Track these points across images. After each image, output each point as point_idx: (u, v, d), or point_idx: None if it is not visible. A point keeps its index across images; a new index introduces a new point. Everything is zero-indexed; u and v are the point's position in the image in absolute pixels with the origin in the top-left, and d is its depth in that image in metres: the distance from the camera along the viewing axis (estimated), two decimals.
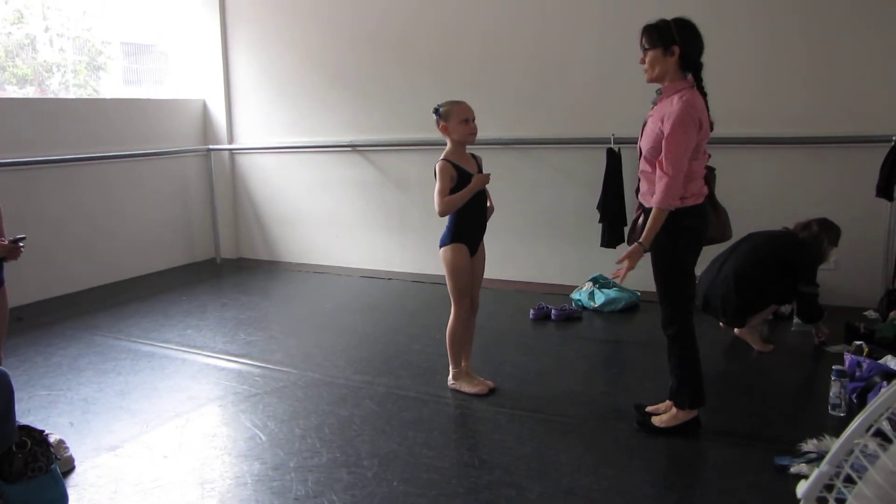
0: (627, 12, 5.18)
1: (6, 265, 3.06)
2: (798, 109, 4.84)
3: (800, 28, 4.78)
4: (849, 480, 1.49)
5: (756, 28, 4.88)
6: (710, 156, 3.09)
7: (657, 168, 2.90)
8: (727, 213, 3.48)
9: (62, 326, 4.99)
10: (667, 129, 2.85)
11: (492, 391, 3.63)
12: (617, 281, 3.04)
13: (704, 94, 2.97)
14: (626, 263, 2.93)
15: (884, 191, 4.41)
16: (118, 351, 4.47)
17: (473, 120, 3.50)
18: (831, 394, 3.26)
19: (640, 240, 2.93)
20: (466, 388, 3.65)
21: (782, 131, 4.86)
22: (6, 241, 3.00)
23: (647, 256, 3.02)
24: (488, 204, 3.64)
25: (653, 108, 3.03)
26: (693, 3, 4.88)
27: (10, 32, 6.44)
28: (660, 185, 2.88)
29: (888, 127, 4.52)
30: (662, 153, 2.87)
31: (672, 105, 2.87)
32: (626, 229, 5.10)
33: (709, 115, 2.96)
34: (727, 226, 3.48)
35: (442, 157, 3.50)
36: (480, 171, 3.59)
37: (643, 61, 3.00)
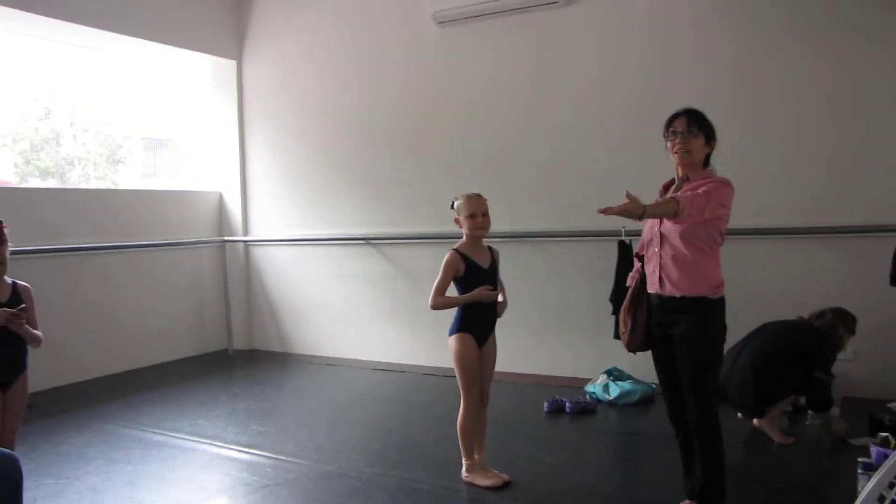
0: (636, 110, 5.32)
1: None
2: (810, 200, 4.89)
3: (812, 121, 4.89)
4: None
5: (769, 121, 5.00)
6: None
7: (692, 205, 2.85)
8: None
9: (72, 414, 4.96)
10: (709, 186, 2.88)
11: (506, 484, 3.55)
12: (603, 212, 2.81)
13: None
14: (625, 203, 2.76)
15: None
16: (128, 440, 4.42)
17: (484, 215, 3.55)
18: (860, 488, 3.17)
19: (646, 207, 2.79)
20: (480, 480, 3.57)
21: (794, 221, 4.89)
22: (36, 331, 3.08)
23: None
24: (501, 298, 3.66)
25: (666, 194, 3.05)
26: (713, 97, 5.06)
27: (37, 128, 6.68)
28: (694, 197, 2.84)
29: None
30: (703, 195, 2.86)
31: (711, 183, 2.91)
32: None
33: None
34: None
35: (455, 246, 3.55)
36: (495, 263, 3.63)
37: (676, 144, 2.99)
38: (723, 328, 3.01)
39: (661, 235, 3.03)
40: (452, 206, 3.60)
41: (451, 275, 3.51)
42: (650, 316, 3.12)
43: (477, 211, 3.53)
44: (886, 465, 1.40)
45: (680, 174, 3.06)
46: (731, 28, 5.09)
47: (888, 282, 4.42)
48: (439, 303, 3.53)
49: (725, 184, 2.93)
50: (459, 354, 3.53)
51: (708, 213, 2.86)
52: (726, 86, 5.08)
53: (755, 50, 5.01)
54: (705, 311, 2.96)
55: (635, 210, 2.75)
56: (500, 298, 3.65)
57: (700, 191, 2.87)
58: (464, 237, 3.59)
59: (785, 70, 4.92)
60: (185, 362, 6.72)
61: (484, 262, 3.57)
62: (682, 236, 2.95)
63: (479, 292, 3.48)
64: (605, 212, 2.76)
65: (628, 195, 2.76)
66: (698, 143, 2.99)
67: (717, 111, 4.70)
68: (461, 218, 3.56)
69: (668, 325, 3.04)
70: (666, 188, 3.13)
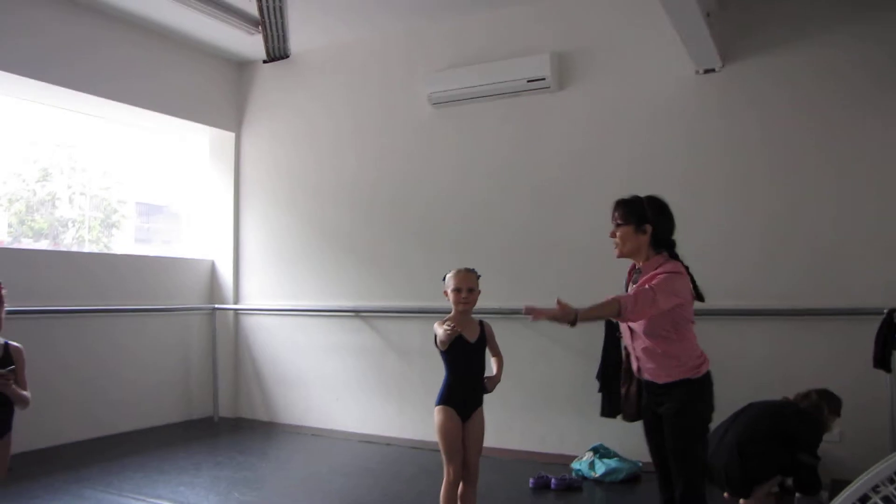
0: (616, 187, 5.43)
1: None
2: (789, 282, 4.98)
3: (789, 201, 5.02)
4: None
5: (747, 202, 5.13)
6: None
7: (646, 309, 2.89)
8: None
9: (51, 478, 4.87)
10: (651, 280, 2.91)
11: None
12: (529, 316, 2.84)
13: (686, 266, 3.04)
14: (554, 309, 2.80)
15: (881, 362, 4.46)
16: None
17: (470, 290, 3.58)
18: None
19: (579, 310, 2.82)
20: None
21: (778, 303, 4.97)
22: (24, 391, 3.07)
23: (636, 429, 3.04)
24: (494, 373, 3.68)
25: (632, 286, 3.08)
26: (700, 180, 5.21)
27: (34, 190, 6.75)
28: (638, 294, 2.86)
29: (879, 299, 4.64)
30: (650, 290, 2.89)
31: (661, 274, 2.94)
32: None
33: (695, 284, 3.04)
34: None
35: (442, 319, 3.58)
36: (483, 337, 3.66)
37: (613, 234, 3.08)
38: (708, 405, 3.02)
39: (630, 329, 3.08)
40: (444, 279, 3.65)
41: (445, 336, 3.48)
42: (640, 390, 3.16)
43: (462, 286, 3.57)
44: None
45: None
46: (721, 112, 5.26)
47: (871, 364, 4.49)
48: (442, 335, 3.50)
49: (674, 274, 2.93)
50: (440, 426, 3.54)
51: (661, 305, 2.87)
52: (712, 169, 5.23)
53: (743, 134, 5.17)
54: (689, 390, 2.99)
55: (565, 317, 2.79)
56: (482, 373, 3.66)
57: (647, 286, 2.89)
58: (452, 310, 3.63)
59: (773, 155, 5.08)
60: (170, 428, 6.64)
61: (471, 337, 3.59)
62: (646, 333, 3.01)
63: (451, 332, 3.43)
64: (533, 316, 2.79)
65: (559, 302, 2.80)
66: (627, 232, 3.03)
67: (703, 194, 4.89)
68: (449, 291, 3.60)
69: (655, 404, 3.07)
70: (630, 272, 3.18)
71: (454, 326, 3.44)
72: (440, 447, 3.55)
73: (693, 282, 3.03)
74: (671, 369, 3.01)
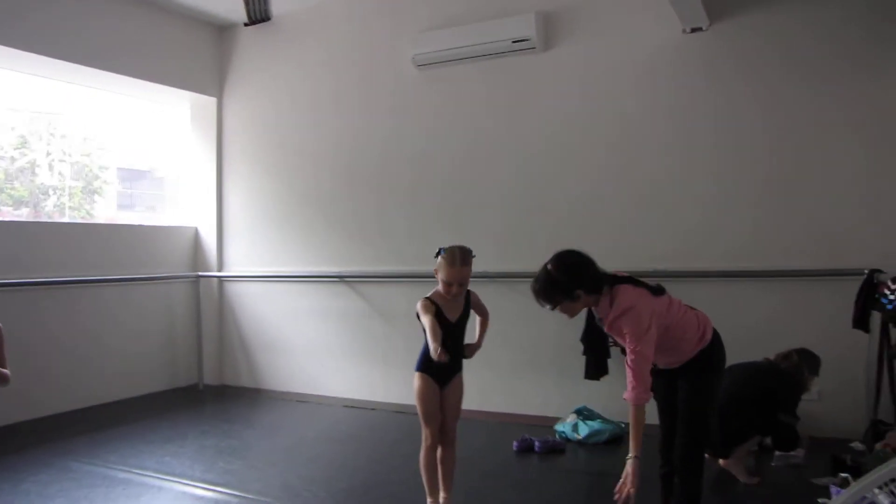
0: (608, 155, 5.43)
1: None
2: (772, 243, 5.00)
3: (773, 162, 5.01)
4: None
5: (730, 163, 5.11)
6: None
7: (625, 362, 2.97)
8: None
9: (36, 451, 4.88)
10: (630, 345, 2.92)
11: None
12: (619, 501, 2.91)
13: (627, 277, 3.06)
14: (630, 489, 2.84)
15: (860, 322, 4.50)
16: (93, 477, 4.36)
17: (460, 285, 3.46)
18: None
19: (633, 454, 2.87)
20: None
21: (760, 265, 4.99)
22: (3, 369, 3.04)
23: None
24: (476, 339, 3.66)
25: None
26: (659, 140, 5.17)
27: (13, 157, 6.65)
28: (629, 380, 2.89)
29: (860, 260, 4.67)
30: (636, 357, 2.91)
31: (619, 318, 2.96)
32: (609, 361, 5.15)
33: (648, 286, 3.04)
34: None
35: (427, 295, 3.51)
36: (468, 305, 3.61)
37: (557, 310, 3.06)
38: (720, 361, 3.10)
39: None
40: (437, 256, 3.49)
41: (432, 313, 3.41)
42: None
43: (454, 281, 3.43)
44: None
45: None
46: (709, 71, 5.21)
47: (851, 324, 4.53)
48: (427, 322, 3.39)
49: (631, 313, 2.91)
50: (418, 391, 3.55)
51: (651, 352, 2.90)
52: (700, 130, 5.19)
53: (732, 93, 5.13)
54: (703, 357, 3.07)
55: (636, 465, 2.83)
56: (463, 340, 3.64)
57: (628, 357, 2.90)
58: (439, 285, 3.52)
59: (761, 114, 5.05)
60: (155, 397, 6.65)
61: (453, 316, 3.52)
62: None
63: (436, 355, 3.25)
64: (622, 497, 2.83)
65: (628, 484, 2.84)
66: (566, 307, 3.03)
67: (691, 155, 4.85)
68: (439, 276, 3.46)
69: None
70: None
71: (440, 353, 3.20)
72: (418, 412, 3.57)
73: (644, 284, 3.03)
74: (682, 355, 3.09)
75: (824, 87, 4.88)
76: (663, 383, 3.18)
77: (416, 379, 3.57)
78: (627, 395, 2.91)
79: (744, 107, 5.09)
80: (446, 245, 3.49)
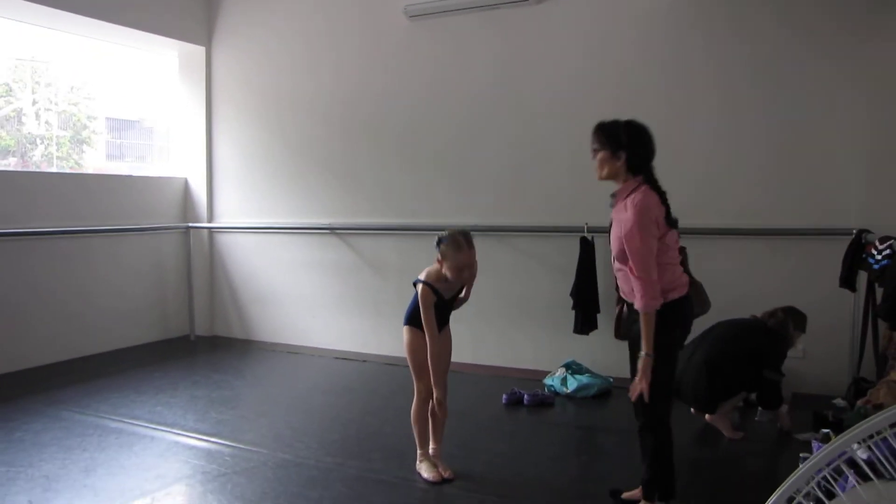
0: (598, 106, 5.37)
1: None
2: (760, 201, 5.01)
3: (762, 121, 4.99)
4: None
5: (718, 119, 5.09)
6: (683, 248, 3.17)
7: (630, 272, 2.97)
8: (702, 285, 3.35)
9: (27, 400, 4.91)
10: (626, 238, 2.92)
11: (445, 481, 3.55)
12: (632, 396, 3.01)
13: (661, 192, 3.02)
14: (642, 382, 2.93)
15: (846, 281, 4.55)
16: (85, 426, 4.39)
17: (469, 267, 3.45)
18: None
19: (645, 351, 2.93)
20: (424, 472, 3.61)
21: (745, 223, 5.01)
22: None
23: (624, 345, 3.10)
24: (462, 294, 3.66)
25: (612, 209, 3.10)
26: (655, 97, 5.14)
27: None
28: (637, 290, 2.93)
29: (848, 219, 4.70)
30: (629, 259, 2.94)
31: (626, 211, 2.94)
32: (599, 316, 5.19)
33: (668, 211, 3.03)
34: (704, 300, 3.33)
35: (425, 277, 3.48)
36: (460, 289, 3.61)
37: (594, 158, 3.08)
38: (670, 333, 3.02)
39: (612, 253, 3.10)
40: (438, 245, 3.44)
41: (433, 311, 3.44)
42: (629, 311, 3.18)
43: (465, 266, 3.41)
44: (798, 471, 1.49)
45: None
46: (705, 27, 5.16)
47: (838, 283, 4.57)
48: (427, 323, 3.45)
49: (640, 212, 2.91)
50: (409, 345, 3.58)
51: (650, 247, 2.91)
52: (697, 86, 5.15)
53: (728, 50, 5.09)
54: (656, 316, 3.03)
55: (650, 365, 2.92)
56: (464, 293, 3.67)
57: (631, 261, 2.92)
58: (438, 268, 3.47)
59: (756, 71, 5.00)
60: (146, 348, 6.67)
61: (448, 293, 3.54)
62: (616, 258, 3.05)
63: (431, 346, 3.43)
64: (639, 390, 2.93)
65: (639, 378, 2.93)
66: (604, 156, 3.03)
67: (687, 111, 4.81)
68: (447, 265, 3.40)
69: (633, 322, 3.12)
70: (614, 195, 3.16)
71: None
72: (409, 365, 3.61)
73: (667, 209, 3.02)
74: (630, 292, 3.05)
75: (820, 44, 4.85)
76: (633, 350, 3.20)
77: (406, 333, 3.60)
78: (638, 304, 2.94)
79: (739, 63, 5.04)
80: (444, 233, 3.47)
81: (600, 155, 3.05)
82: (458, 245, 3.39)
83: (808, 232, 4.86)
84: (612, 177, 3.06)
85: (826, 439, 3.59)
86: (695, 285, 3.32)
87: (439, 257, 3.43)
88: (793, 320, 4.31)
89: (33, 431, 4.29)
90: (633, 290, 3.01)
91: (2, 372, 5.38)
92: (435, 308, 3.47)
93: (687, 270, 3.27)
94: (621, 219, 2.98)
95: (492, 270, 5.69)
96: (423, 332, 3.50)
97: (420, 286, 3.47)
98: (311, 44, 6.60)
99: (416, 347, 3.56)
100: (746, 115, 5.04)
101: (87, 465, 3.77)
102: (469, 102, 5.92)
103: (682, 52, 5.20)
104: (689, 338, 4.10)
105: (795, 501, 1.55)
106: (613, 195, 3.10)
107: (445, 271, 3.42)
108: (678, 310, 3.02)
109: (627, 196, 2.98)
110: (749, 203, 5.04)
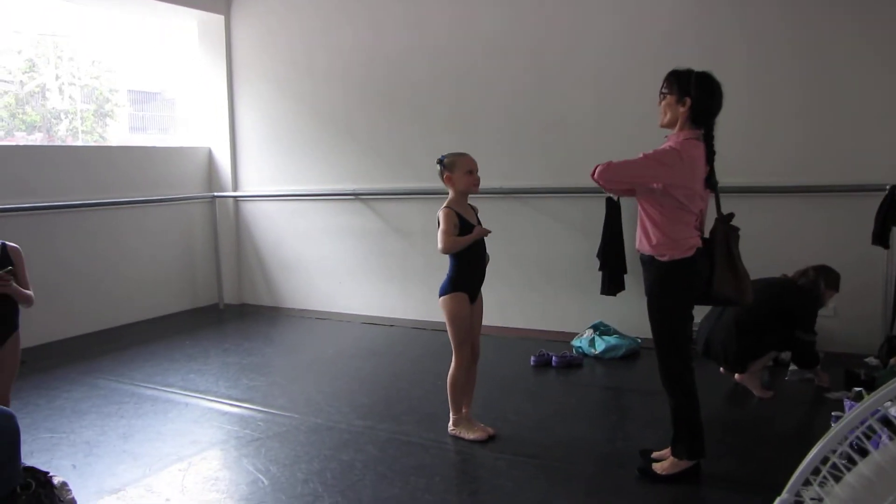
0: (624, 64, 5.31)
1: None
2: (791, 159, 4.93)
3: (794, 78, 4.90)
4: None
5: (750, 77, 4.99)
6: (729, 214, 3.14)
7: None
8: (748, 277, 3.26)
9: (65, 370, 5.01)
10: (654, 151, 2.96)
11: (491, 438, 3.63)
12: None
13: (713, 152, 3.02)
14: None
15: (879, 238, 4.47)
16: (121, 394, 4.49)
17: (477, 171, 3.59)
18: None
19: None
20: (466, 434, 3.66)
21: (776, 180, 4.94)
22: (27, 290, 3.12)
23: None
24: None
25: None
26: (687, 53, 5.03)
27: (22, 82, 6.60)
28: (603, 165, 2.96)
29: (881, 175, 4.60)
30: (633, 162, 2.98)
31: (666, 145, 2.98)
32: (626, 276, 5.17)
33: (712, 172, 3.00)
34: (746, 291, 3.22)
35: (445, 204, 3.58)
36: (478, 221, 3.66)
37: (660, 103, 3.08)
38: (672, 295, 3.03)
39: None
40: (441, 162, 3.58)
41: (453, 225, 3.51)
42: None
43: (475, 168, 3.58)
44: (832, 430, 1.48)
45: None
46: None
47: (870, 240, 4.50)
48: (452, 243, 3.50)
49: (670, 148, 2.96)
50: (453, 314, 3.58)
51: (634, 172, 2.97)
52: (725, 44, 5.04)
53: (763, 14, 4.97)
54: (656, 273, 3.04)
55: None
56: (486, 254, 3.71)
57: (640, 155, 2.96)
58: (451, 194, 3.60)
59: (786, 29, 4.90)
60: (176, 317, 6.77)
61: (472, 220, 3.61)
62: (640, 198, 3.07)
63: (481, 230, 3.55)
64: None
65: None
66: (670, 101, 3.04)
67: (718, 67, 4.66)
68: (456, 174, 3.54)
69: (646, 280, 3.13)
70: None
71: (483, 229, 3.56)
72: (451, 334, 3.61)
73: (712, 169, 3.01)
74: (642, 239, 3.08)
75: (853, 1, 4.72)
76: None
77: (448, 301, 3.59)
78: (595, 172, 2.98)
79: (771, 21, 4.93)
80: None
81: (667, 100, 3.05)
82: (459, 153, 3.61)
83: (840, 189, 4.79)
84: (672, 123, 3.05)
85: (858, 398, 3.58)
86: (739, 275, 3.15)
87: (447, 174, 3.56)
88: (825, 279, 4.26)
89: (73, 399, 4.39)
90: (640, 233, 3.02)
91: (40, 342, 5.48)
92: (462, 232, 3.53)
93: (734, 257, 3.16)
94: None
95: (517, 233, 5.69)
96: (466, 296, 3.57)
97: (442, 210, 3.55)
98: (330, 9, 6.54)
99: (457, 315, 3.58)
100: (778, 73, 4.93)
101: (125, 432, 3.85)
102: (487, 61, 5.85)
103: (715, 9, 5.09)
104: None
105: (830, 461, 1.54)
106: (666, 138, 3.10)
107: (457, 183, 3.55)
108: (683, 269, 3.01)
109: (673, 140, 2.99)
110: (780, 161, 4.96)
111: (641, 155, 2.96)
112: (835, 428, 1.55)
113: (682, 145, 2.94)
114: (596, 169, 2.96)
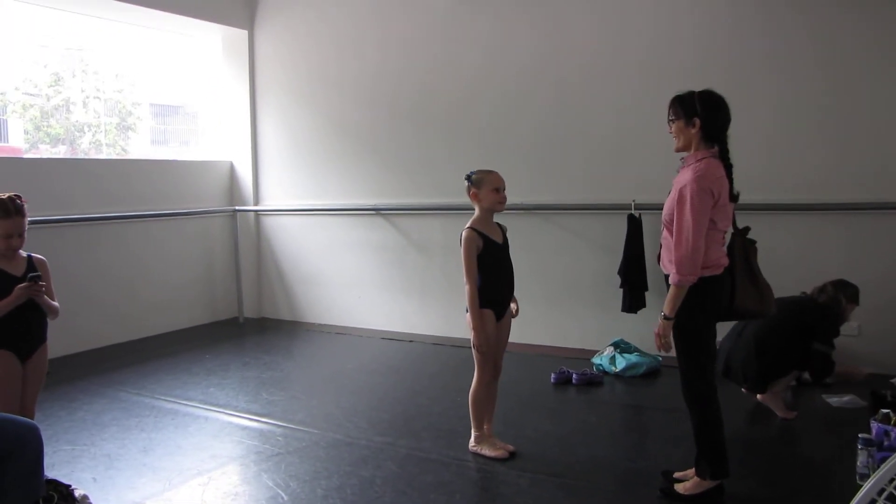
0: (646, 80, 5.30)
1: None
2: (815, 176, 4.89)
3: (816, 95, 4.87)
4: None
5: (772, 94, 4.97)
6: (745, 228, 3.14)
7: (670, 238, 2.97)
8: (770, 287, 3.26)
9: (87, 382, 5.04)
10: (678, 201, 2.93)
11: (512, 455, 3.61)
12: (661, 352, 3.12)
13: (729, 166, 3.02)
14: (662, 341, 3.02)
15: None
16: (142, 407, 4.51)
17: (504, 189, 3.57)
18: (859, 463, 3.23)
19: (664, 312, 2.99)
20: (487, 451, 3.64)
21: (799, 198, 4.91)
22: (53, 302, 3.15)
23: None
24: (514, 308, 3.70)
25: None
26: (711, 70, 5.02)
27: (48, 95, 6.69)
28: (675, 259, 2.93)
29: None
30: (674, 224, 2.94)
31: (687, 174, 2.95)
32: (647, 294, 5.14)
33: (731, 185, 3.00)
34: (769, 302, 3.22)
35: (469, 224, 3.55)
36: (505, 239, 3.65)
37: (671, 130, 3.11)
38: (699, 313, 3.01)
39: (663, 219, 3.11)
40: (469, 179, 3.57)
41: (474, 252, 3.49)
42: None
43: (501, 186, 3.55)
44: (891, 461, 1.45)
45: None
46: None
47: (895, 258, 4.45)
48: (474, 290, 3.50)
49: (695, 180, 2.90)
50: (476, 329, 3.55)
51: (699, 229, 2.90)
52: (749, 59, 5.03)
53: (782, 20, 4.96)
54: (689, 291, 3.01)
55: (668, 327, 2.99)
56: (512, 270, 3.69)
57: (676, 226, 2.94)
58: (477, 212, 3.58)
59: (809, 42, 4.88)
60: (196, 331, 6.80)
61: (497, 238, 3.59)
62: (665, 224, 3.07)
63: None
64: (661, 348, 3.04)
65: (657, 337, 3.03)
66: (679, 126, 3.05)
67: (744, 86, 4.65)
68: (483, 191, 3.52)
69: None
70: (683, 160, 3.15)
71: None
72: (474, 349, 3.57)
73: (730, 182, 3.00)
74: (669, 262, 3.05)
75: (880, 17, 4.69)
76: None
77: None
78: (673, 276, 2.95)
79: (793, 32, 4.90)
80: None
81: (676, 125, 3.07)
82: (487, 170, 3.59)
83: (864, 207, 4.74)
84: (686, 146, 3.06)
85: (886, 420, 3.52)
86: (760, 287, 3.17)
87: (474, 191, 3.54)
88: (844, 293, 4.21)
89: (94, 412, 4.42)
90: (666, 256, 3.01)
91: (62, 354, 5.51)
92: (490, 256, 3.51)
93: (754, 269, 3.17)
94: (679, 181, 2.98)
95: (537, 249, 5.68)
96: (492, 313, 3.55)
97: (464, 232, 3.52)
98: (354, 23, 6.59)
99: (487, 333, 3.54)
100: (800, 91, 4.91)
101: (145, 445, 3.87)
102: (512, 79, 5.87)
103: (739, 25, 5.08)
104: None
105: (886, 493, 1.51)
106: (683, 160, 3.10)
107: (483, 200, 3.53)
108: (711, 287, 3.00)
109: (695, 162, 2.98)
110: (804, 178, 4.93)
111: (688, 202, 2.89)
112: (891, 461, 1.51)
113: (702, 170, 2.93)
114: (674, 276, 2.94)
